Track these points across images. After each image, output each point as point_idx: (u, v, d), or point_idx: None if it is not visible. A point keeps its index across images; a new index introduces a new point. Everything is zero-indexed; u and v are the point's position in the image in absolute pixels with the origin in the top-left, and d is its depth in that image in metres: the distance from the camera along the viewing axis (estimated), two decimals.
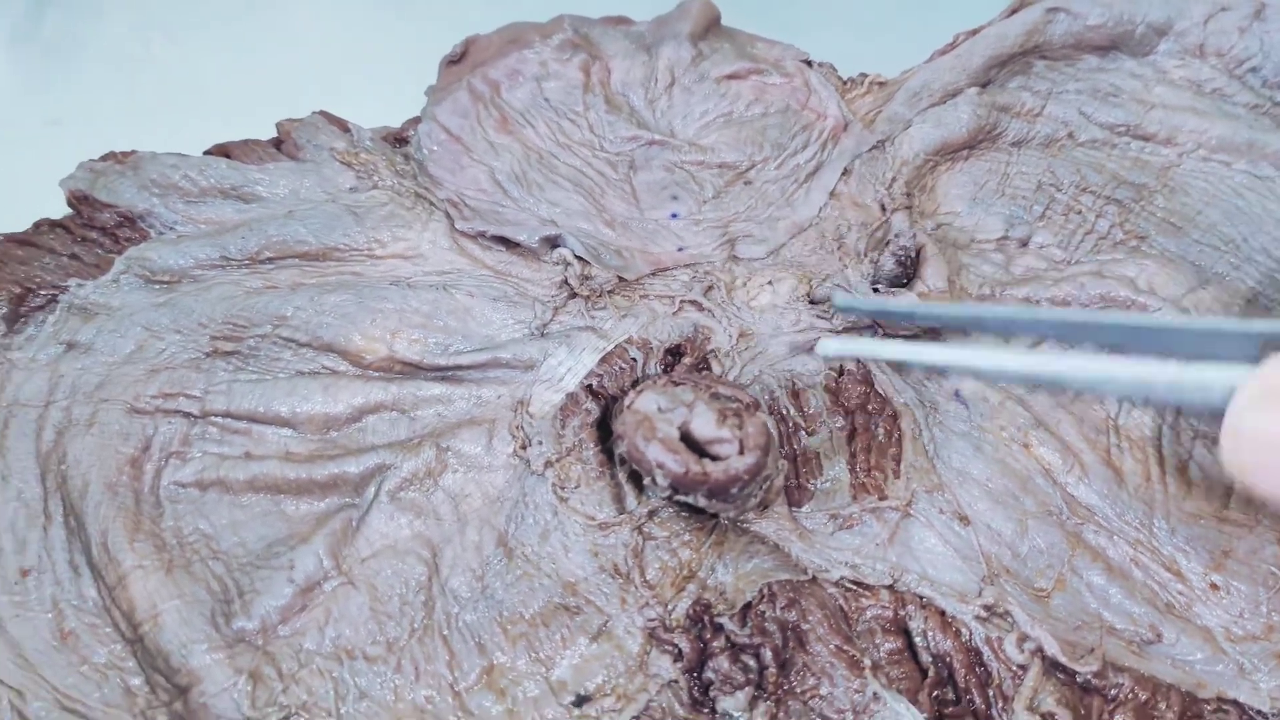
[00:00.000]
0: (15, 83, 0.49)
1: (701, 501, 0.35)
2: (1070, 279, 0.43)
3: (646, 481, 0.35)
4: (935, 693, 0.35)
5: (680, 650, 0.35)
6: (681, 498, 0.35)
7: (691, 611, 0.36)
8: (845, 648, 0.34)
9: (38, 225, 0.42)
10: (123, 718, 0.34)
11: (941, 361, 0.29)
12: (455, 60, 0.48)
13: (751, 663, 0.35)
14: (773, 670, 0.34)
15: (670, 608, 0.36)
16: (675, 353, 0.39)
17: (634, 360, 0.40)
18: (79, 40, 0.50)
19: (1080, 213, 0.46)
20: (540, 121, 0.46)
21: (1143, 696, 0.35)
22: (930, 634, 0.36)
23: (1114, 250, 0.44)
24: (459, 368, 0.41)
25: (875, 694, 0.34)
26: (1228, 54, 0.47)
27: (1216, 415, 0.19)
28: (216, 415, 0.39)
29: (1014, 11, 0.49)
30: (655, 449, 0.33)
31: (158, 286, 0.42)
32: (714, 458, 0.34)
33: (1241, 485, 0.20)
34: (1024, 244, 0.46)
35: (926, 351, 0.30)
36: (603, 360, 0.40)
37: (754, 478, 0.33)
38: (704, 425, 0.34)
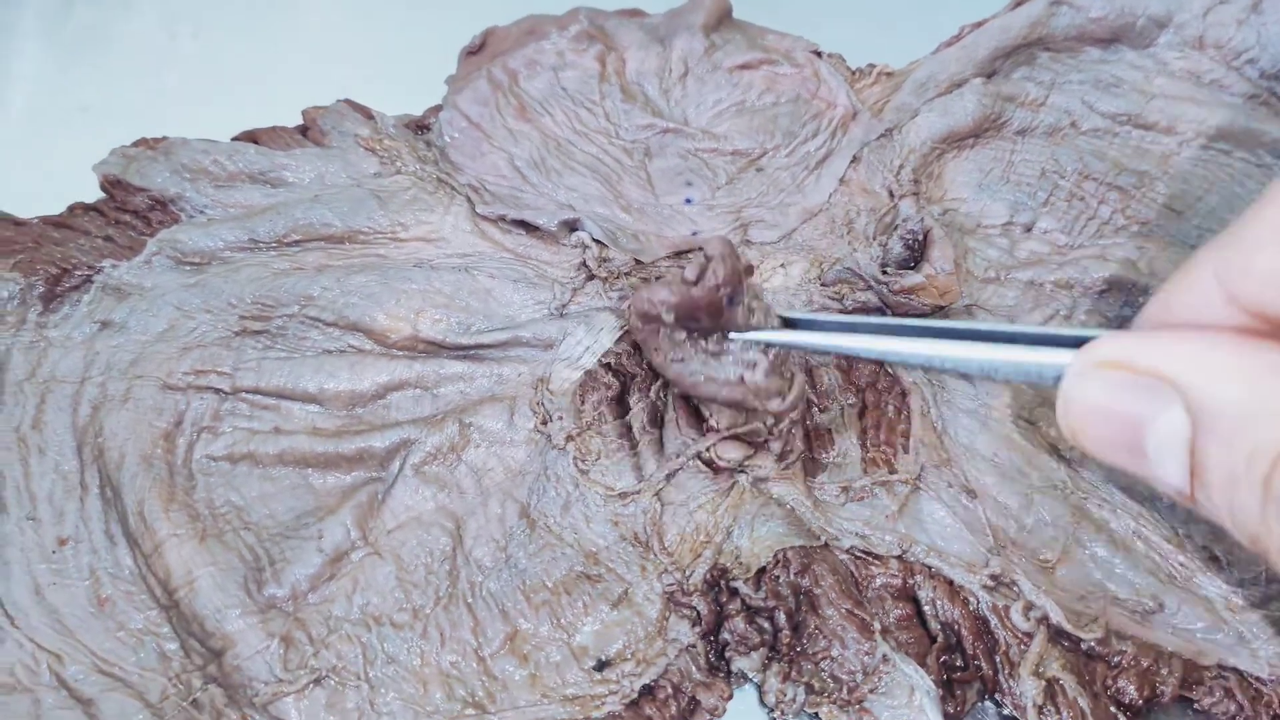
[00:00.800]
0: (47, 71, 0.50)
1: (707, 323, 0.35)
2: (1073, 262, 0.44)
3: (661, 360, 0.36)
4: (943, 658, 0.36)
5: (699, 614, 0.36)
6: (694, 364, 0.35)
7: (709, 576, 0.37)
8: (856, 611, 0.36)
9: (72, 209, 0.44)
10: (158, 680, 0.35)
11: (813, 344, 0.32)
12: (474, 51, 0.49)
13: (766, 625, 0.36)
14: (786, 632, 0.35)
15: (688, 573, 0.37)
16: None
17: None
18: (108, 31, 0.51)
19: (1083, 199, 0.47)
20: (558, 110, 0.48)
21: (1145, 663, 0.36)
22: (939, 602, 0.37)
23: (1116, 235, 0.45)
24: (481, 346, 0.42)
25: (885, 656, 0.35)
26: (1226, 46, 0.49)
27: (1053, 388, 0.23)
28: (246, 391, 0.41)
29: (1018, 4, 0.50)
30: (658, 291, 0.34)
31: (188, 268, 0.43)
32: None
33: (1072, 445, 0.24)
34: (1028, 229, 0.47)
35: (797, 338, 0.32)
36: (620, 339, 0.41)
37: (736, 280, 0.34)
38: (689, 271, 0.34)
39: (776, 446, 0.39)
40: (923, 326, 0.27)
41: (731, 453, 0.39)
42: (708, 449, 0.39)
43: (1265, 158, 0.46)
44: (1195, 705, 0.36)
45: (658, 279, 0.40)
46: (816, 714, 0.35)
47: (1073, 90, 0.49)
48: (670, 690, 0.35)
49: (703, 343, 0.35)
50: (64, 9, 0.50)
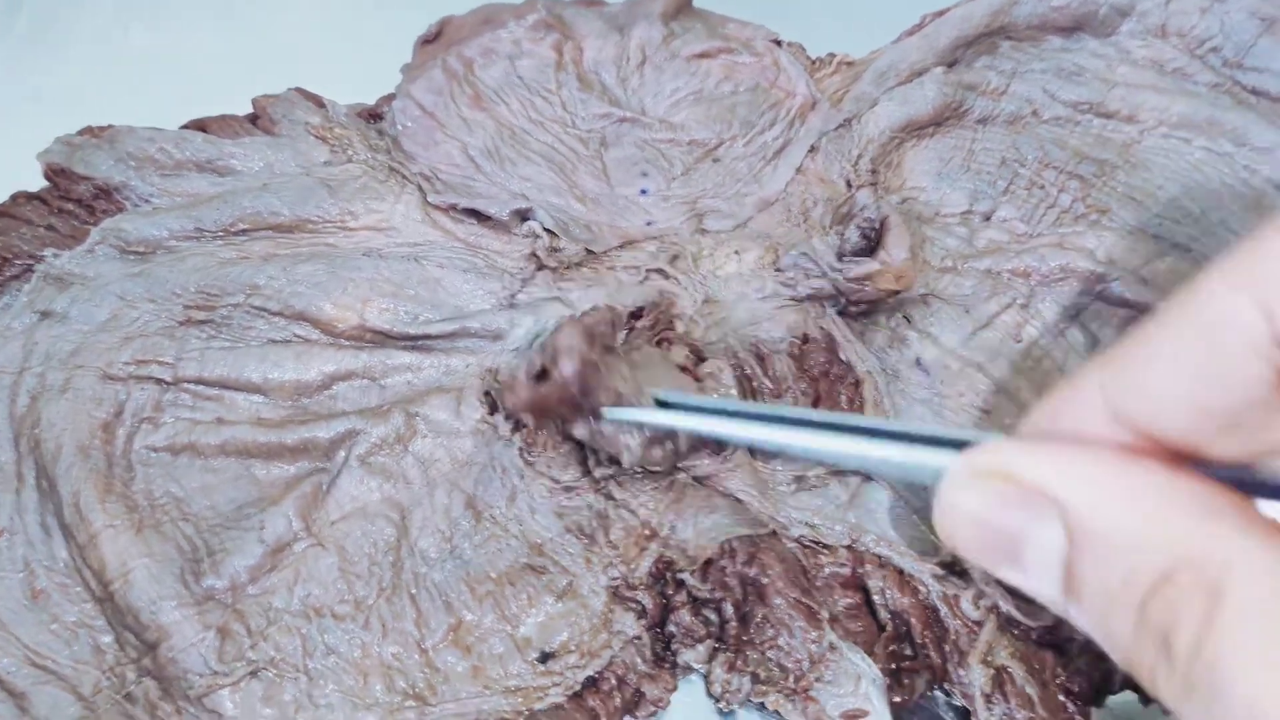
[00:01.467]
0: None
1: (567, 415, 0.34)
2: (1031, 251, 0.44)
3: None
4: (891, 647, 0.35)
5: (644, 607, 0.36)
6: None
7: (654, 569, 0.36)
8: (804, 600, 0.35)
9: (14, 197, 0.43)
10: (91, 674, 0.34)
11: (687, 427, 0.32)
12: (430, 40, 0.48)
13: (713, 616, 0.35)
14: (734, 624, 0.35)
15: (633, 567, 0.36)
16: (637, 316, 0.39)
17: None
18: (58, 21, 0.50)
19: (1043, 187, 0.47)
20: (513, 99, 0.47)
21: (1095, 650, 0.35)
22: (888, 592, 0.36)
23: (1075, 223, 0.45)
24: (428, 337, 0.41)
25: (831, 644, 0.34)
26: (1189, 34, 0.48)
27: (930, 491, 0.22)
28: (189, 382, 0.40)
29: None
30: (508, 395, 0.34)
31: (133, 257, 0.42)
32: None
33: (950, 549, 0.24)
34: (987, 217, 0.46)
35: (678, 419, 0.32)
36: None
37: (590, 380, 0.33)
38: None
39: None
40: (803, 419, 0.26)
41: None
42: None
43: (1225, 146, 0.46)
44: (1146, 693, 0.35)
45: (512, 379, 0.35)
46: (763, 703, 0.35)
47: (1034, 79, 0.49)
48: (614, 682, 0.34)
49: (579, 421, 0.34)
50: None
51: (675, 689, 0.34)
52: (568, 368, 0.32)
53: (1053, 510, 0.20)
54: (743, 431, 0.28)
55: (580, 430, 0.35)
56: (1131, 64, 0.48)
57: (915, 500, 0.38)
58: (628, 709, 0.34)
